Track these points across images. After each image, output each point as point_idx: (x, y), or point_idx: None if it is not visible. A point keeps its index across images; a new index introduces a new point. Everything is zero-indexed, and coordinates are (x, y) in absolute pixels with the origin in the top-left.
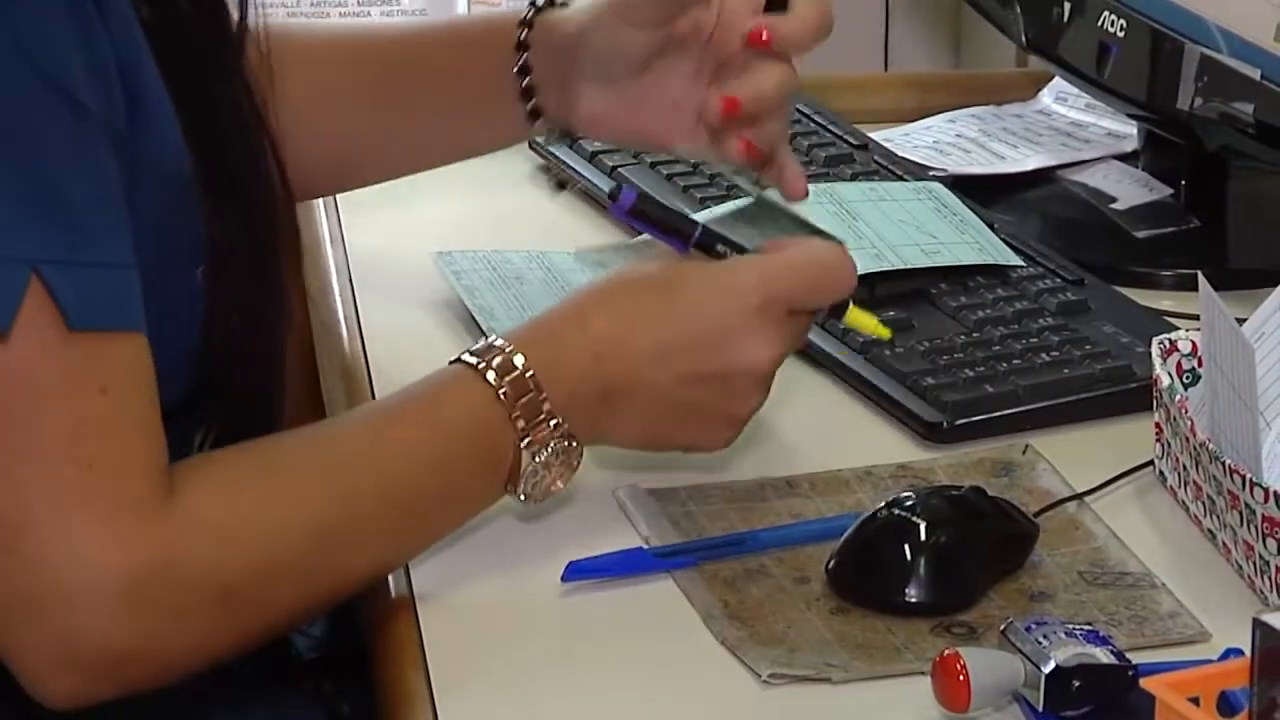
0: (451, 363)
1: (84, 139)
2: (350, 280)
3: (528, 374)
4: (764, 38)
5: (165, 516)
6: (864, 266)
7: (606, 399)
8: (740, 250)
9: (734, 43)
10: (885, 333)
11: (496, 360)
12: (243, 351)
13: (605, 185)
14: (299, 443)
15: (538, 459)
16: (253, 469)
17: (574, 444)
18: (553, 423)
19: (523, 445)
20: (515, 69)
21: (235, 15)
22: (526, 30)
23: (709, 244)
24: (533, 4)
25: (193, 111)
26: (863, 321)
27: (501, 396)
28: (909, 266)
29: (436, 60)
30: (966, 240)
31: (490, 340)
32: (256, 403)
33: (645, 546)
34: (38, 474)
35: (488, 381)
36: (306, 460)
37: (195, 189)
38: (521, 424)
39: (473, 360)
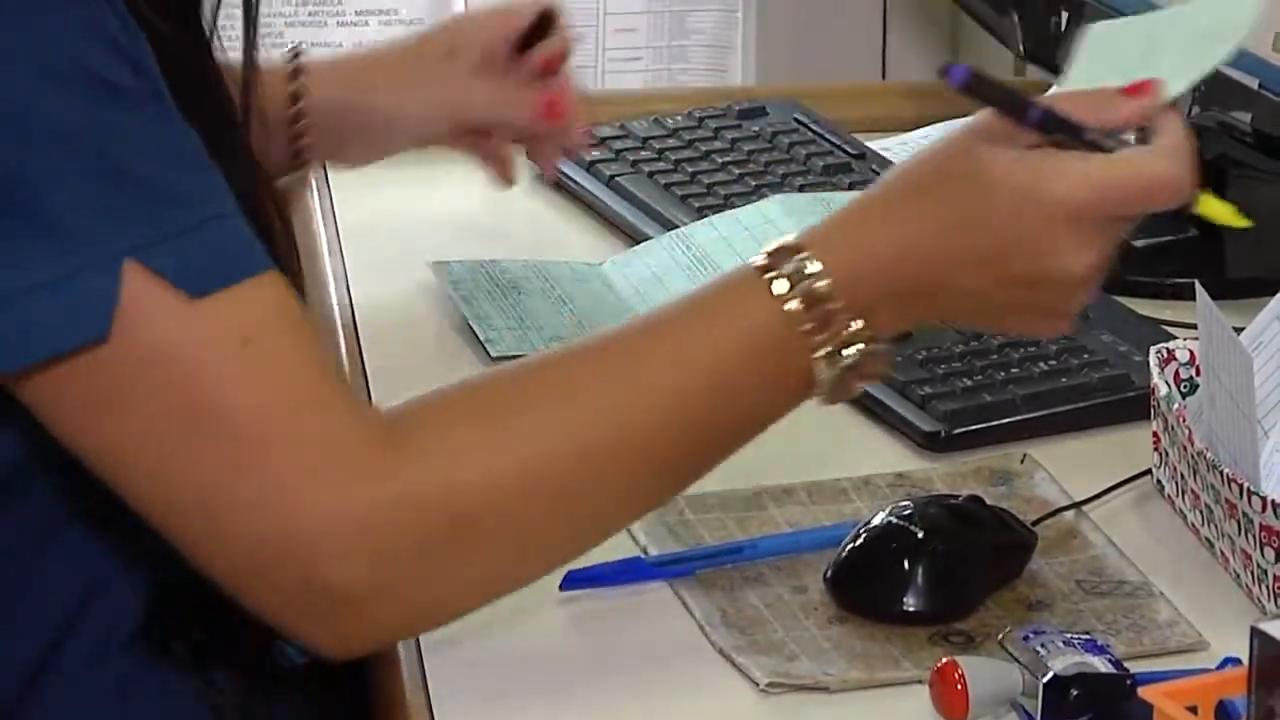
0: (744, 267)
1: (138, 115)
2: (348, 289)
3: (824, 280)
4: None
5: (381, 452)
6: None
7: (916, 298)
8: (1078, 136)
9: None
10: (1243, 222)
11: (788, 266)
12: None
13: (602, 194)
14: (532, 364)
15: (839, 364)
16: (469, 398)
17: (880, 344)
18: (853, 326)
19: (816, 356)
20: (289, 120)
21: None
22: (297, 81)
23: (1045, 128)
24: (295, 53)
25: None
26: (1216, 211)
27: (789, 307)
28: None
29: None
30: None
31: (785, 240)
32: None
33: (643, 555)
34: (227, 445)
35: (772, 292)
36: (539, 377)
37: None
38: (817, 337)
39: (764, 263)
